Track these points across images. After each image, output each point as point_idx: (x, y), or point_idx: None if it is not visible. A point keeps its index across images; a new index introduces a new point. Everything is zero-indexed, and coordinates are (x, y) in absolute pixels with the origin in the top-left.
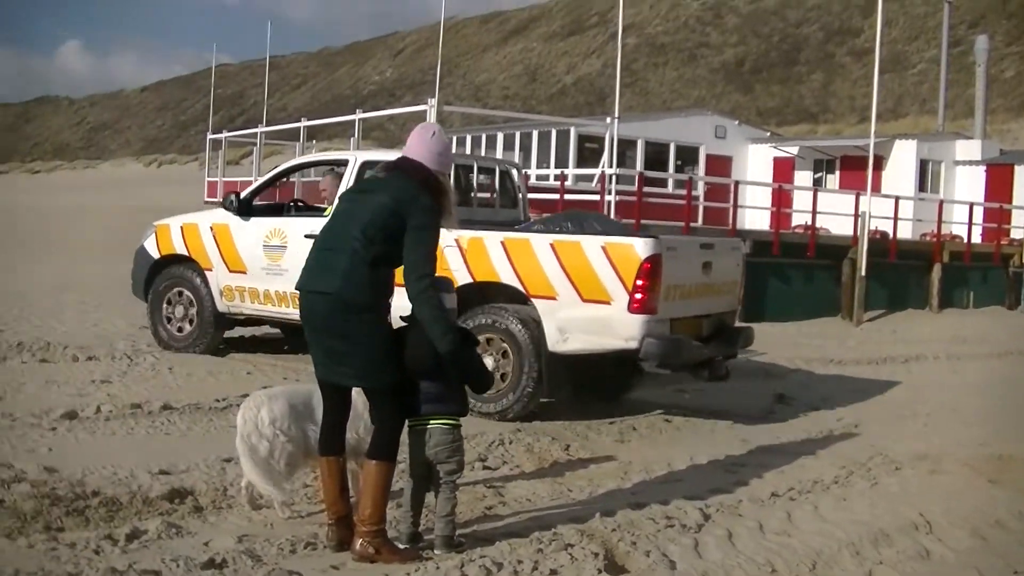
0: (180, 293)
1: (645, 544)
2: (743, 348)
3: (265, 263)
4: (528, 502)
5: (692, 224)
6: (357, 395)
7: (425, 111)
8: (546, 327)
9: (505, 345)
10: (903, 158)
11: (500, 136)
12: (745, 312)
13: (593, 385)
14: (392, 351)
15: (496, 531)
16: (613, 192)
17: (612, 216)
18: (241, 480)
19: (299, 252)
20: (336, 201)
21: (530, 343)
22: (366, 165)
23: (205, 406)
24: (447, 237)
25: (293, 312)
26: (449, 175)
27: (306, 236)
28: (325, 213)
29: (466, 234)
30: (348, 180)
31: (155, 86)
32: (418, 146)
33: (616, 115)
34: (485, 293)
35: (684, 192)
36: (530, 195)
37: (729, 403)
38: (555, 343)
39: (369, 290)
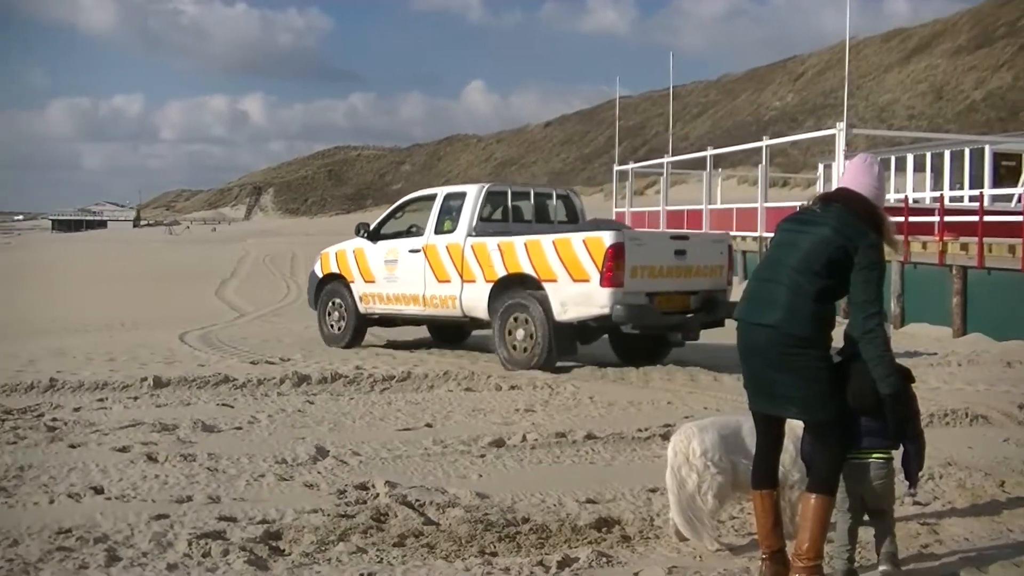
0: (335, 302)
1: None
2: (725, 317)
3: (385, 274)
4: (966, 541)
5: None
6: (796, 427)
7: (833, 135)
8: (552, 303)
9: (528, 318)
10: None
11: (910, 158)
12: None
13: (635, 354)
14: (836, 385)
15: (932, 570)
16: None
17: None
18: (669, 511)
19: (405, 264)
20: (775, 231)
21: (543, 316)
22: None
23: (628, 436)
24: (490, 242)
25: (405, 308)
26: (884, 206)
27: (410, 251)
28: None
29: (502, 239)
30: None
31: (558, 121)
32: (861, 177)
33: None
34: (513, 282)
35: None
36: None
37: None
38: (558, 314)
39: (813, 324)
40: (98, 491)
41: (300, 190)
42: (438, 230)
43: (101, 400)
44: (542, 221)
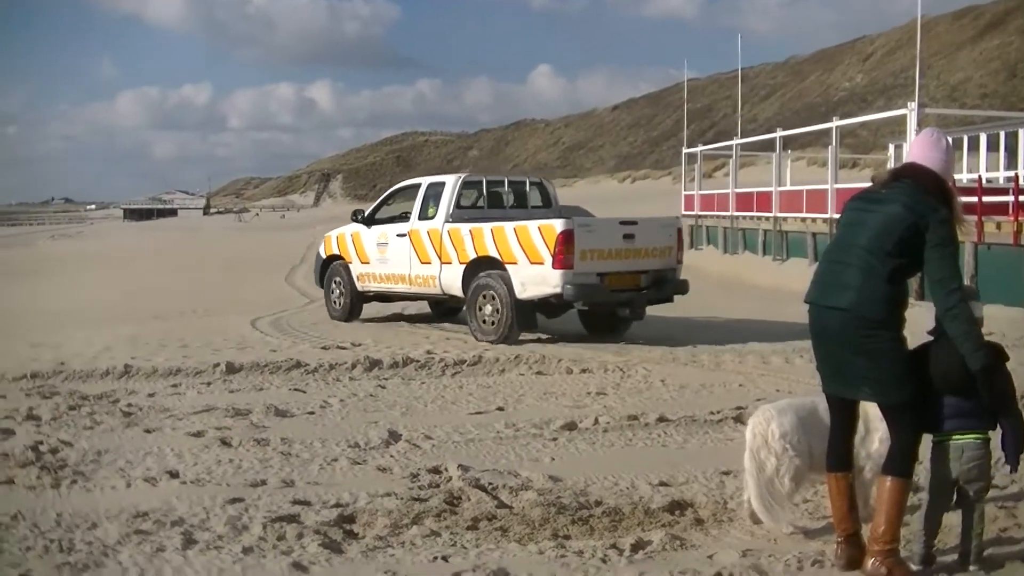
0: (336, 280)
1: None
2: (675, 294)
3: (377, 255)
4: None
5: None
6: (869, 409)
7: (904, 115)
8: (513, 283)
9: (494, 295)
10: None
11: (983, 137)
12: None
13: (598, 327)
14: (910, 365)
15: (1011, 555)
16: None
17: None
18: (743, 494)
19: (394, 247)
20: (842, 211)
21: (507, 294)
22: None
23: (700, 419)
24: (463, 228)
25: (395, 286)
26: (953, 182)
27: (398, 235)
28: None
29: (474, 226)
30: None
31: (625, 104)
32: (929, 152)
33: None
34: (482, 263)
35: None
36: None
37: None
38: (519, 293)
39: (886, 305)
40: (173, 475)
41: (368, 176)
42: (421, 216)
43: (175, 386)
44: (518, 207)
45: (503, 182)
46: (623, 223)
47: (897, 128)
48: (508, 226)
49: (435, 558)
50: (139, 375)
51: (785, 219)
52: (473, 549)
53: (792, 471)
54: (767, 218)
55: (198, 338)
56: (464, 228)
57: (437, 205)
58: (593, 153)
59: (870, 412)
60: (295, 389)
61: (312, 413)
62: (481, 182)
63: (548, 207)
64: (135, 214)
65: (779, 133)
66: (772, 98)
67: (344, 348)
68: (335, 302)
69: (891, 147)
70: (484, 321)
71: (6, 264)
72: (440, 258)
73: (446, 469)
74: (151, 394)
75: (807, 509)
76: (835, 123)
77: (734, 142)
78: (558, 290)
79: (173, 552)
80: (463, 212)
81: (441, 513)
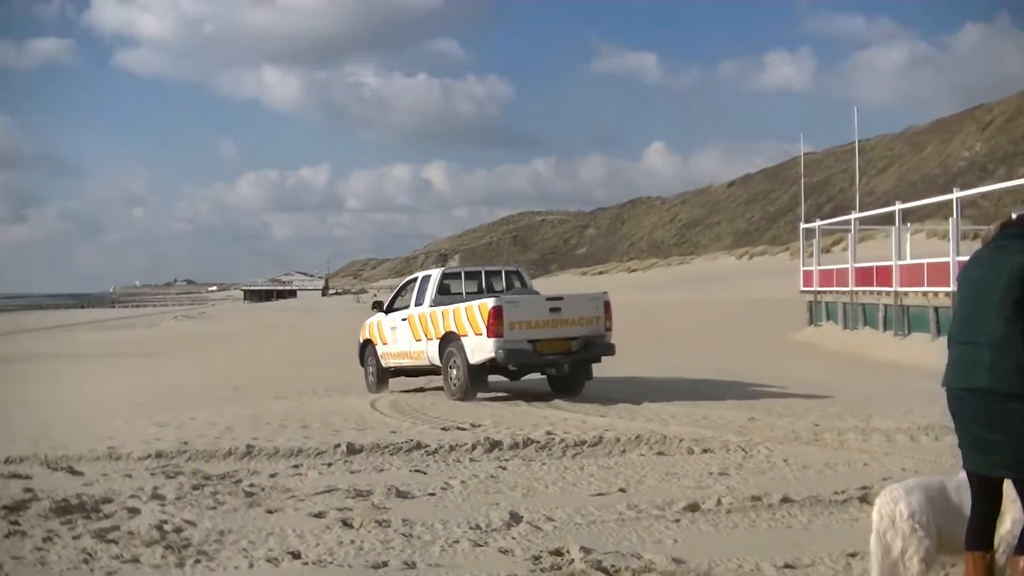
0: (369, 359)
1: None
2: (600, 355)
3: (392, 337)
4: None
5: None
6: (1004, 489)
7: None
8: (466, 350)
9: (456, 361)
10: None
11: None
12: None
13: (559, 386)
14: None
15: None
16: None
17: None
18: None
19: (400, 329)
20: (958, 284)
21: (464, 360)
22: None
23: (824, 499)
24: (439, 310)
25: (403, 361)
26: None
27: (402, 320)
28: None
29: (445, 308)
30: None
31: (741, 180)
32: None
33: None
34: (450, 337)
35: None
36: None
37: None
38: (471, 358)
39: (1020, 377)
40: (295, 556)
41: (485, 256)
42: (416, 303)
43: (296, 466)
44: (492, 292)
45: (479, 273)
46: (549, 299)
47: (1020, 197)
48: (462, 306)
49: None
50: (261, 455)
51: (906, 293)
52: None
53: (921, 552)
54: (888, 292)
55: (318, 418)
56: (439, 310)
57: (425, 293)
58: (710, 230)
59: (1005, 492)
60: (416, 470)
61: (433, 494)
62: (460, 273)
63: (525, 288)
64: (255, 295)
65: (898, 206)
66: (890, 170)
67: (464, 429)
68: (369, 377)
69: (1013, 216)
70: (451, 382)
71: (132, 344)
72: (426, 335)
73: (568, 551)
74: (273, 474)
75: None
76: (956, 194)
77: (852, 216)
78: (492, 355)
79: None
80: (444, 298)
81: None
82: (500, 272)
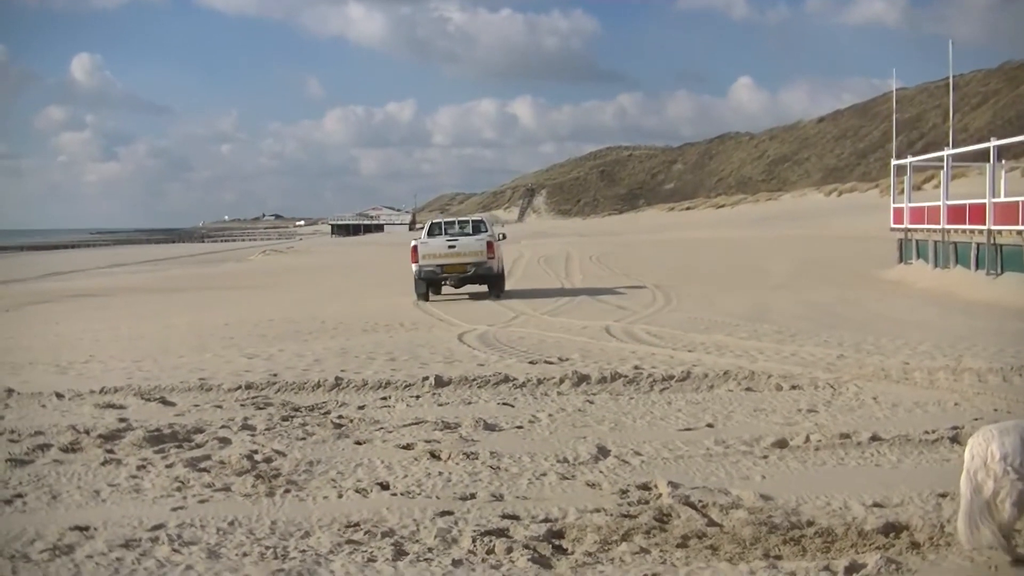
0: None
1: None
2: (486, 275)
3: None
4: None
5: None
6: None
7: None
8: (413, 269)
9: (415, 276)
10: None
11: None
12: None
13: (489, 292)
14: None
15: None
16: None
17: None
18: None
19: (430, 243)
20: None
21: (417, 274)
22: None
23: (915, 438)
24: (419, 244)
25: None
26: None
27: (421, 243)
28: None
29: (413, 243)
30: (424, 232)
31: (831, 116)
32: None
33: None
34: (417, 260)
35: None
36: None
37: None
38: (415, 276)
39: None
40: (384, 487)
41: (572, 191)
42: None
43: (384, 399)
44: (464, 235)
45: (454, 222)
46: (448, 242)
47: None
48: (411, 244)
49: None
50: (349, 387)
51: (1000, 232)
52: (683, 567)
53: (1014, 495)
54: (980, 231)
55: (406, 351)
56: (413, 243)
57: (422, 233)
58: (799, 166)
59: None
60: (503, 403)
61: (520, 427)
62: (441, 223)
63: (482, 233)
64: (342, 229)
65: (993, 143)
66: (985, 106)
67: (551, 363)
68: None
69: None
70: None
71: (222, 279)
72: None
73: (656, 486)
74: (361, 406)
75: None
76: None
77: (945, 152)
78: (417, 272)
79: (384, 563)
80: (431, 238)
81: (651, 530)
82: (469, 221)
